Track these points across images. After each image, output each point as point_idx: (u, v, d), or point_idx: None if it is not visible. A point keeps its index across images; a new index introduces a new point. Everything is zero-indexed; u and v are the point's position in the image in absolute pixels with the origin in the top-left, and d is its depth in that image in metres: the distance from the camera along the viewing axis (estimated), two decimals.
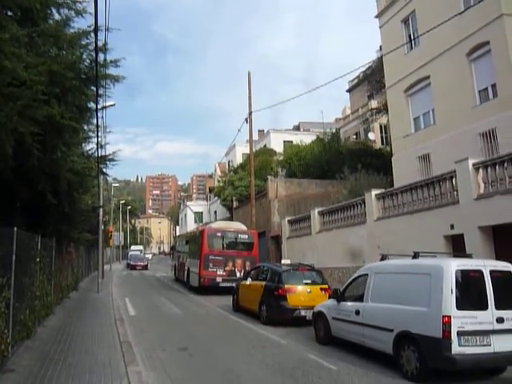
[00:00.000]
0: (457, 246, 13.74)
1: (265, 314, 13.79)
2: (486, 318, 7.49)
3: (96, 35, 8.36)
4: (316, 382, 7.77)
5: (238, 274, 21.53)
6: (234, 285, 17.79)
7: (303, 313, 12.96)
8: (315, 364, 8.90)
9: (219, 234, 22.83)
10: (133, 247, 73.70)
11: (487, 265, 7.98)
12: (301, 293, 13.40)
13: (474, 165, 13.39)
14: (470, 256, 9.36)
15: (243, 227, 24.51)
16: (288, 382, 7.77)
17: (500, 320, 7.51)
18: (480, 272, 7.79)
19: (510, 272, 8.07)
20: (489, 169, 13.04)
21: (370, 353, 9.26)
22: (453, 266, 7.81)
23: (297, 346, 10.66)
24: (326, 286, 13.80)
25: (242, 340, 11.27)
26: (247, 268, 21.10)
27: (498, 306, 7.57)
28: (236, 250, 22.61)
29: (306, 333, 11.97)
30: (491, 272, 7.80)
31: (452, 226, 13.98)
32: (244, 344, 10.74)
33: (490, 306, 7.55)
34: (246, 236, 23.28)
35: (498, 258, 12.23)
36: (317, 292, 13.44)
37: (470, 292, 7.96)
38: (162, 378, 7.75)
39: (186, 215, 70.32)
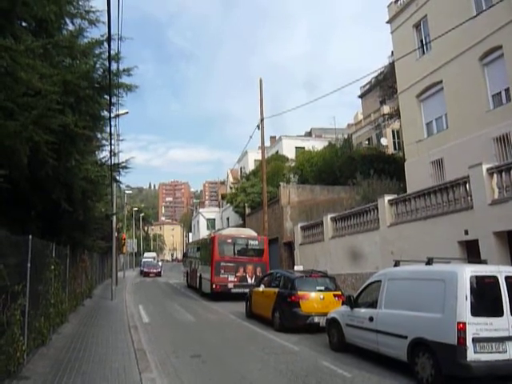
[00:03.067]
0: (471, 252, 13.60)
1: (278, 320, 13.75)
2: (501, 324, 7.40)
3: (109, 45, 8.41)
4: None
5: (249, 280, 21.62)
6: (245, 291, 17.84)
7: (316, 319, 12.90)
8: (329, 371, 8.85)
9: (230, 241, 22.91)
10: (146, 254, 73.93)
11: (502, 271, 7.89)
12: (314, 299, 13.35)
13: (488, 170, 13.27)
14: (484, 262, 9.27)
15: (253, 233, 24.58)
16: None
17: None
18: (495, 278, 7.71)
19: None
20: (503, 174, 12.92)
21: (384, 359, 9.19)
22: (467, 272, 7.75)
23: (310, 352, 10.61)
24: (340, 293, 13.74)
25: (255, 347, 11.24)
26: (258, 274, 21.21)
27: None
28: (247, 256, 22.66)
29: (320, 339, 11.92)
30: (506, 278, 7.71)
31: (466, 232, 13.84)
32: (257, 351, 10.72)
33: (505, 313, 7.47)
34: (257, 242, 23.33)
35: None
36: (330, 298, 13.39)
37: (485, 298, 7.86)
38: None
39: (198, 222, 70.37)
